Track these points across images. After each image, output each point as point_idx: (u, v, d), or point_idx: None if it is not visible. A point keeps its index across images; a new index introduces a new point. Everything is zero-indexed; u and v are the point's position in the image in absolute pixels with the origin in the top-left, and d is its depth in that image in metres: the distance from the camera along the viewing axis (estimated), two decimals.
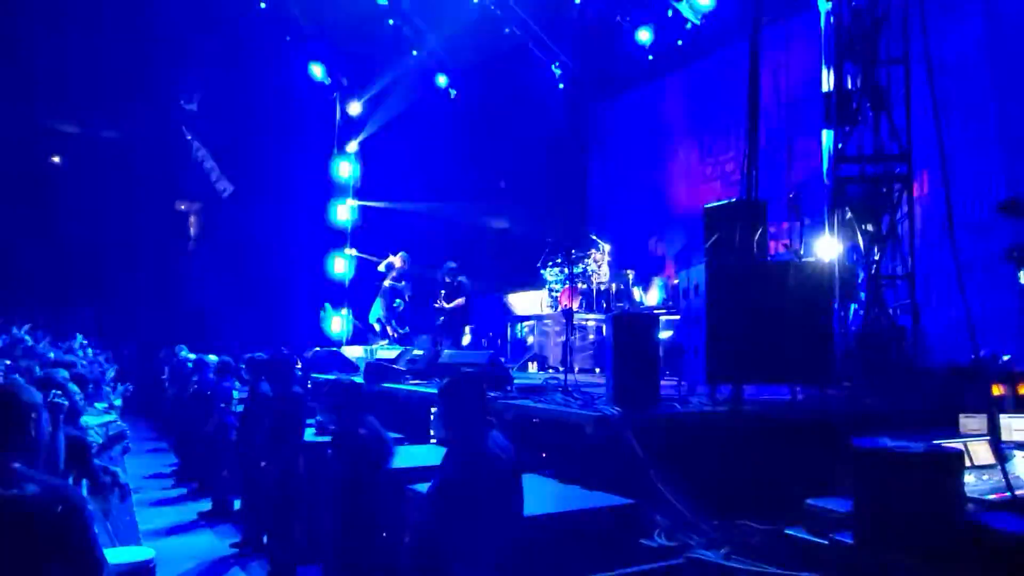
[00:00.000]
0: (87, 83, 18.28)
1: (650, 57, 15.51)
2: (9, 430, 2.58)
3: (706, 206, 7.16)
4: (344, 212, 16.70)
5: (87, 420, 5.10)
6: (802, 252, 7.44)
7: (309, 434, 6.23)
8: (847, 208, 7.05)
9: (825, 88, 7.68)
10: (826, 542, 3.36)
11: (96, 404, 5.98)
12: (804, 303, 5.63)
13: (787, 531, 3.74)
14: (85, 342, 11.45)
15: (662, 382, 5.52)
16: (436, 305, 10.06)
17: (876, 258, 6.93)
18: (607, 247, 11.99)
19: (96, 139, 20.88)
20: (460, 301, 9.81)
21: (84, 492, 4.00)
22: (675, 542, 3.61)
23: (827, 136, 7.66)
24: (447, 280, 10.18)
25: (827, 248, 7.20)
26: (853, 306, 6.91)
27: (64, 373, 4.60)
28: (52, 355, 7.90)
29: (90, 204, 21.27)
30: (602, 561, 3.24)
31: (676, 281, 10.48)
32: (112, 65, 17.45)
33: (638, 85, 16.14)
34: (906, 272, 6.92)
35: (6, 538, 2.09)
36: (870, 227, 6.99)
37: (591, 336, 10.99)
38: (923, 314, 6.98)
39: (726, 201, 8.16)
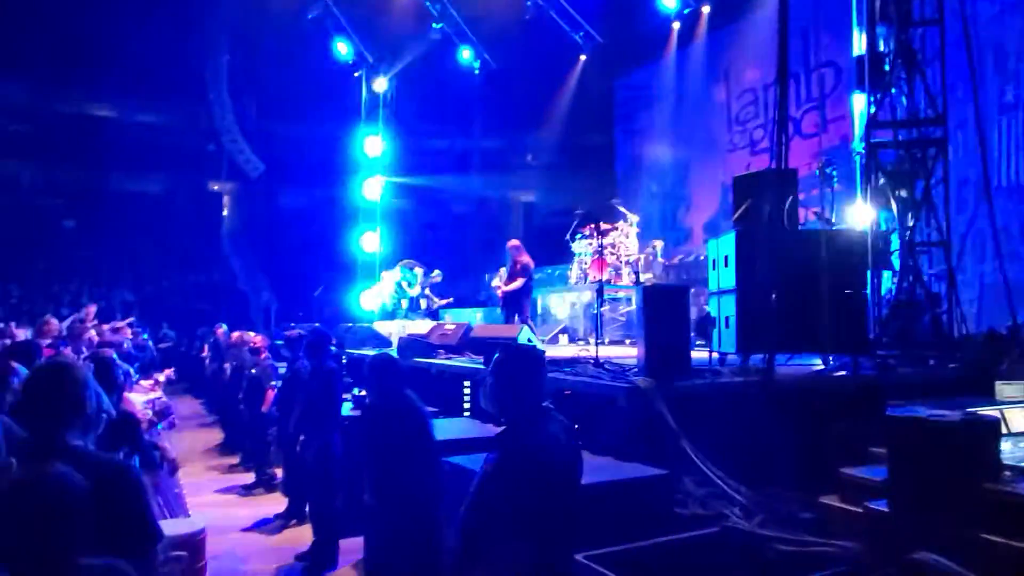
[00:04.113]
0: (122, 68, 18.52)
1: (676, 25, 15.23)
2: (64, 406, 2.66)
3: (735, 176, 7.11)
4: (373, 188, 16.78)
5: (134, 397, 5.28)
6: (834, 220, 7.36)
7: (346, 408, 6.38)
8: (880, 174, 6.93)
9: (856, 51, 7.51)
10: (861, 510, 3.39)
11: (142, 382, 6.17)
12: (836, 272, 5.60)
13: (821, 500, 3.77)
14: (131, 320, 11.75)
15: (692, 353, 5.53)
16: (493, 284, 10.10)
17: (910, 225, 6.82)
18: (635, 218, 11.93)
19: (132, 123, 21.22)
20: (519, 283, 9.85)
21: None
22: (710, 512, 3.65)
23: (859, 101, 7.51)
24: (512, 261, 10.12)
25: (860, 215, 7.11)
26: (887, 274, 6.83)
27: (112, 353, 4.75)
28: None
29: (128, 187, 21.74)
30: (637, 531, 3.29)
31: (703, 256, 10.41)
32: (146, 51, 17.64)
33: (663, 53, 15.90)
34: (941, 239, 6.80)
35: (67, 511, 2.18)
36: (904, 193, 6.87)
37: (621, 308, 11.01)
38: (958, 281, 6.88)
39: (756, 170, 8.08)
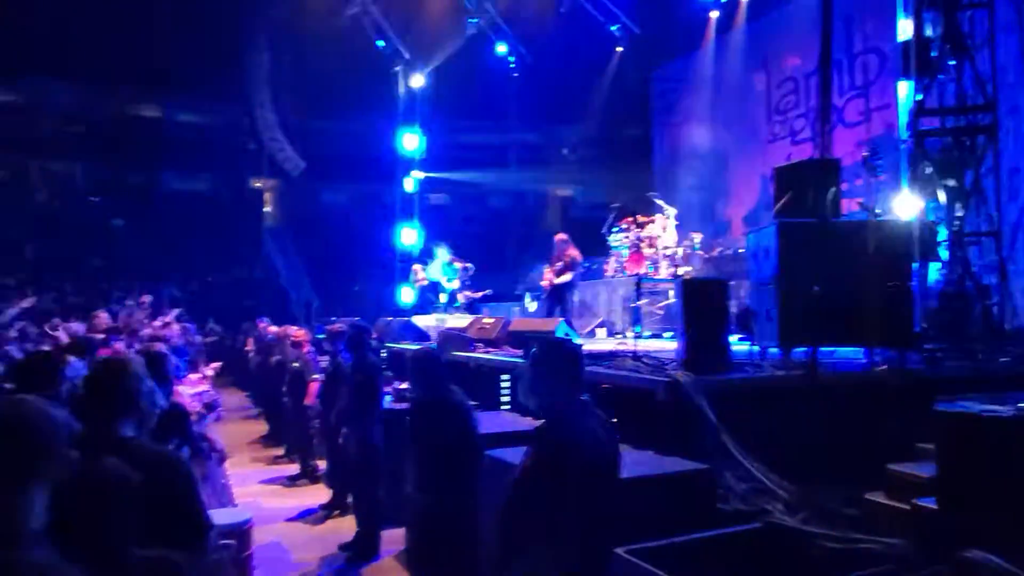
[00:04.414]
0: (168, 70, 18.99)
1: (713, 14, 15.01)
2: (119, 400, 2.75)
3: (776, 166, 6.99)
4: (410, 184, 16.92)
5: (182, 390, 5.42)
6: (879, 211, 7.19)
7: (386, 401, 6.47)
8: (927, 163, 6.75)
9: (902, 37, 7.32)
10: (908, 507, 3.33)
11: (190, 375, 6.35)
12: (882, 263, 5.47)
13: (867, 496, 3.71)
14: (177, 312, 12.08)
15: (732, 346, 5.47)
16: (544, 281, 10.08)
17: (959, 215, 6.63)
18: (673, 211, 11.82)
19: (177, 123, 21.78)
20: (568, 276, 9.84)
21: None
22: (752, 507, 3.62)
23: (904, 87, 7.32)
24: (558, 254, 10.06)
25: (906, 206, 6.94)
26: (934, 265, 6.66)
27: (163, 347, 4.88)
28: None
29: (175, 186, 22.34)
30: (678, 526, 3.28)
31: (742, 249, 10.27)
32: (190, 52, 18.06)
33: (701, 43, 15.67)
34: (991, 228, 6.61)
35: (119, 504, 2.24)
36: (952, 182, 6.69)
37: (659, 301, 10.93)
38: (1010, 271, 6.68)
39: (797, 160, 7.93)
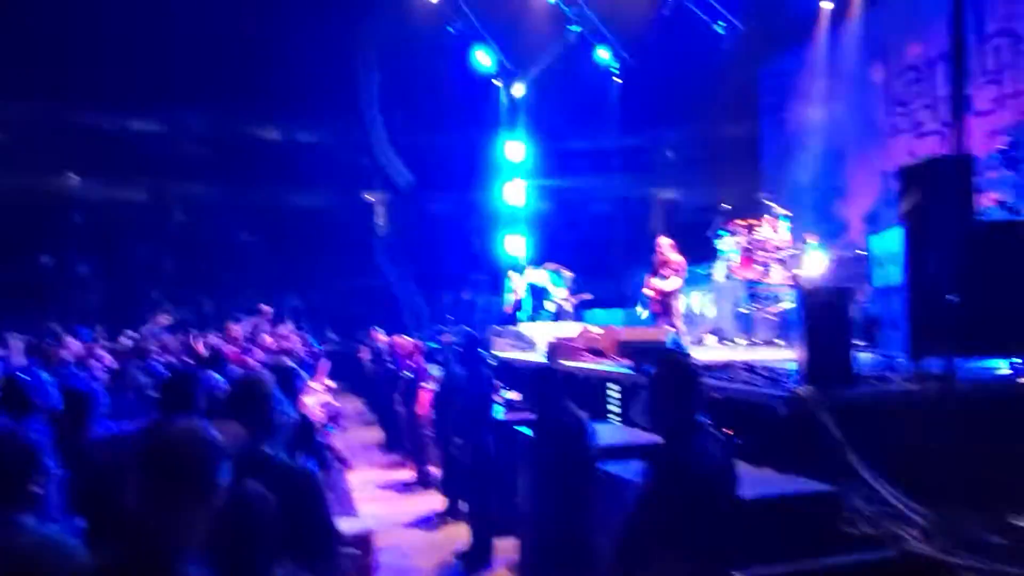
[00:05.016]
0: (285, 93, 20.16)
1: (826, 4, 14.33)
2: (258, 419, 2.93)
3: (902, 165, 6.59)
4: (515, 192, 17.11)
5: (306, 400, 5.72)
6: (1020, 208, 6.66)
7: (497, 411, 6.58)
8: None
9: None
10: None
11: (312, 384, 6.69)
12: None
13: (1014, 522, 3.43)
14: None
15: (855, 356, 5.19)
16: (647, 288, 9.81)
17: None
18: (785, 212, 11.35)
19: (295, 143, 23.09)
20: (674, 283, 9.55)
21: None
22: (881, 532, 3.42)
23: None
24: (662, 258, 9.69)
25: None
26: None
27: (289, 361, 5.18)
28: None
29: (294, 202, 23.68)
30: (802, 549, 3.15)
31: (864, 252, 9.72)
32: (305, 76, 19.09)
33: (812, 36, 14.96)
34: None
35: (263, 525, 2.36)
36: None
37: (771, 307, 10.53)
38: None
39: (926, 157, 7.44)
